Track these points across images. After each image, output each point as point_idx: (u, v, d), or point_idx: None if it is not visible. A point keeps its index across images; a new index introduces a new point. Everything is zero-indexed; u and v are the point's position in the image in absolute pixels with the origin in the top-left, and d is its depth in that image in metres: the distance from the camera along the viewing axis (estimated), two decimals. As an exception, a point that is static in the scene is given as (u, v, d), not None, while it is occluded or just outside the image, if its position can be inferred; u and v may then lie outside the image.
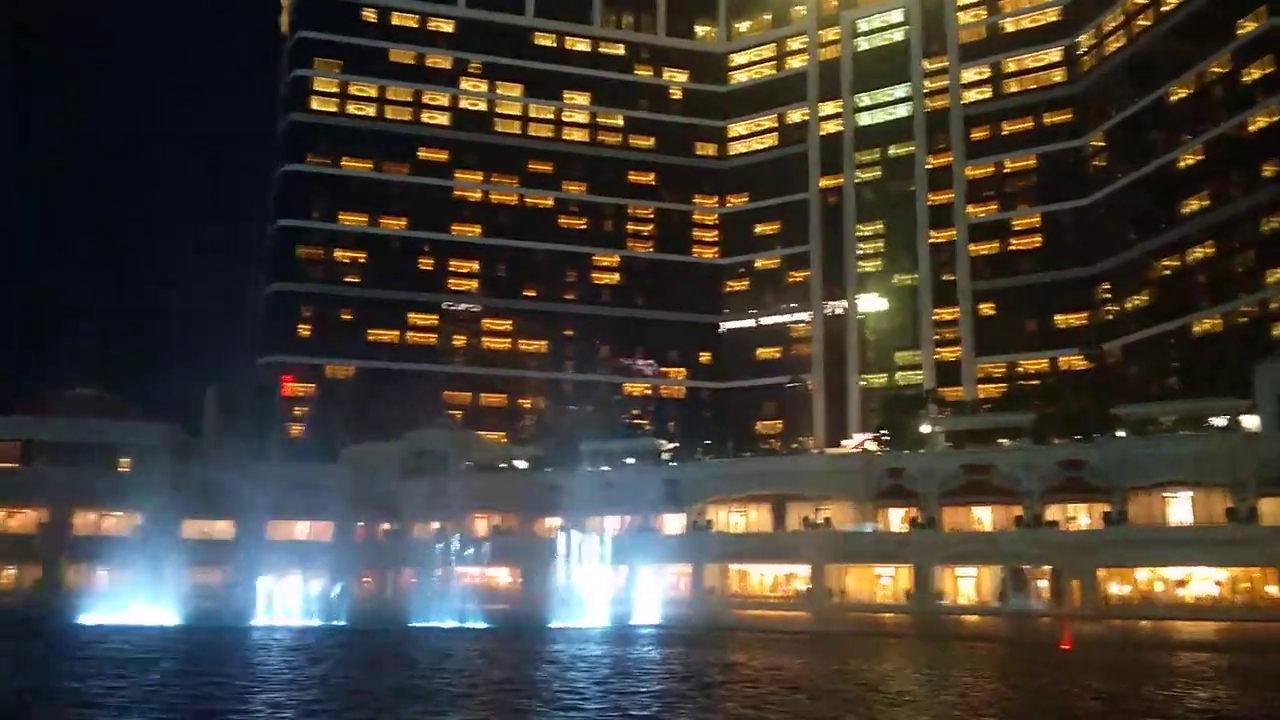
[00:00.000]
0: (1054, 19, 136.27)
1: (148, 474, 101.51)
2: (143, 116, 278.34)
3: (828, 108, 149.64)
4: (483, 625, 62.39)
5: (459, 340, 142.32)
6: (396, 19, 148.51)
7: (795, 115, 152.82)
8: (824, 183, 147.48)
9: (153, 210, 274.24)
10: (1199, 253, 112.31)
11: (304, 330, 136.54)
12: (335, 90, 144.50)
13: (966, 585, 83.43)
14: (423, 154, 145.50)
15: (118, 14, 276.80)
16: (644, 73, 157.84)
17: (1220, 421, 78.54)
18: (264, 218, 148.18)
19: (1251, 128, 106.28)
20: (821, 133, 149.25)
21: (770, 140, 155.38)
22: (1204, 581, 74.20)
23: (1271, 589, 71.23)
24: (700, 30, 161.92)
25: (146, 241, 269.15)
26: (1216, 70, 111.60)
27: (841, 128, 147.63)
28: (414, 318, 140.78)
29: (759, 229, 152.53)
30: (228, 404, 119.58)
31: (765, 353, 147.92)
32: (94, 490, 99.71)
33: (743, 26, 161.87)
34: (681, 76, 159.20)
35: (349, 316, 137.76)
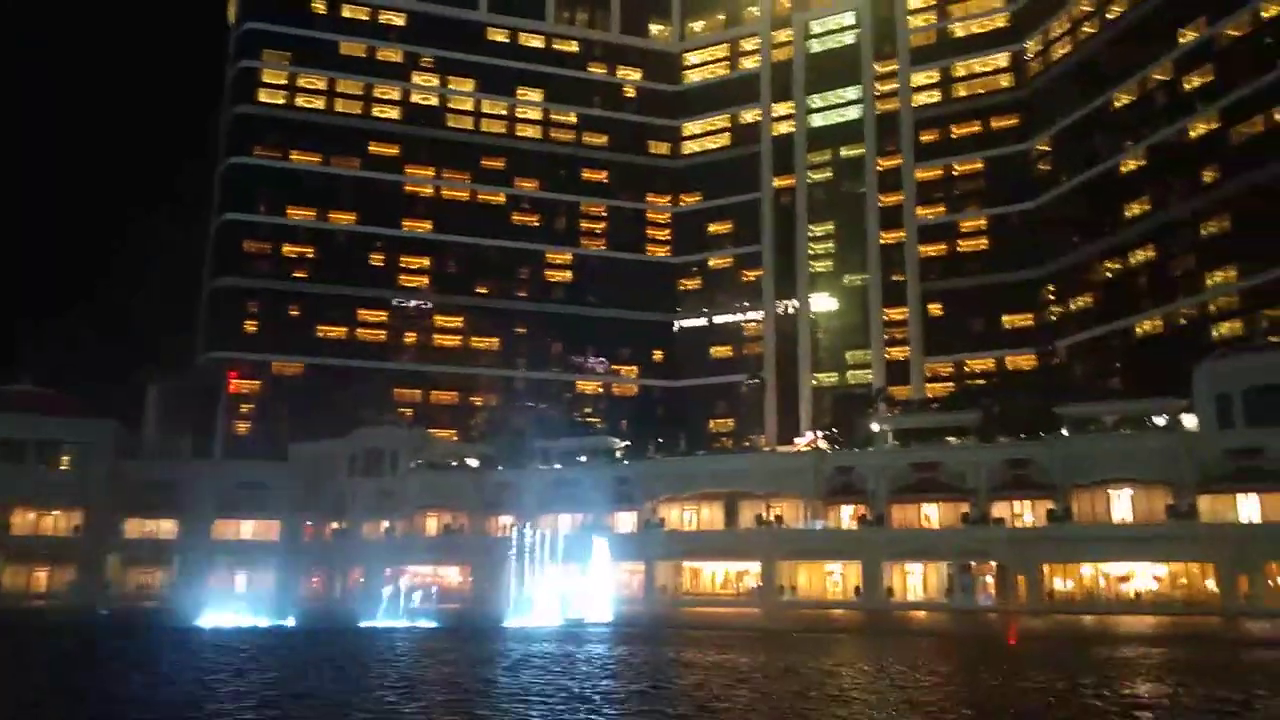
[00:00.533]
0: (1002, 25, 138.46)
1: (88, 472, 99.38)
2: (84, 105, 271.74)
3: (780, 108, 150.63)
4: (432, 625, 61.78)
5: (409, 337, 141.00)
6: (347, 11, 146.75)
7: (748, 115, 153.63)
8: (776, 183, 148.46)
9: (93, 202, 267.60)
10: (1141, 256, 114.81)
11: (250, 326, 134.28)
12: (284, 82, 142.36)
13: (915, 581, 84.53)
14: (373, 148, 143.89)
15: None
16: (598, 70, 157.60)
17: (1161, 420, 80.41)
18: (209, 211, 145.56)
19: (1192, 134, 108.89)
20: (774, 133, 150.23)
21: (723, 140, 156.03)
22: (1145, 577, 75.92)
23: (1210, 584, 73.01)
24: (654, 29, 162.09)
25: (87, 234, 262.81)
26: (1158, 78, 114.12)
27: (794, 128, 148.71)
28: (363, 314, 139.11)
29: (712, 228, 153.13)
30: (171, 401, 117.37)
31: (718, 351, 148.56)
32: (33, 488, 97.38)
33: (697, 26, 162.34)
34: (635, 75, 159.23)
35: (297, 312, 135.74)
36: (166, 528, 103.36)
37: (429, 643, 48.31)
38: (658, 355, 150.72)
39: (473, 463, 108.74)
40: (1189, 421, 79.73)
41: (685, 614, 75.37)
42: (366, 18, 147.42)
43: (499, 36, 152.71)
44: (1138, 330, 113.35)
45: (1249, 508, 74.17)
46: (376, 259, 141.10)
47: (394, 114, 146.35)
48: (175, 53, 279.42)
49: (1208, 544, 72.56)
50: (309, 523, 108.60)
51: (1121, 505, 78.88)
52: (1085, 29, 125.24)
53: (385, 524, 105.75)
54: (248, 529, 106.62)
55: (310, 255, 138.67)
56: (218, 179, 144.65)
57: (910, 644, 49.69)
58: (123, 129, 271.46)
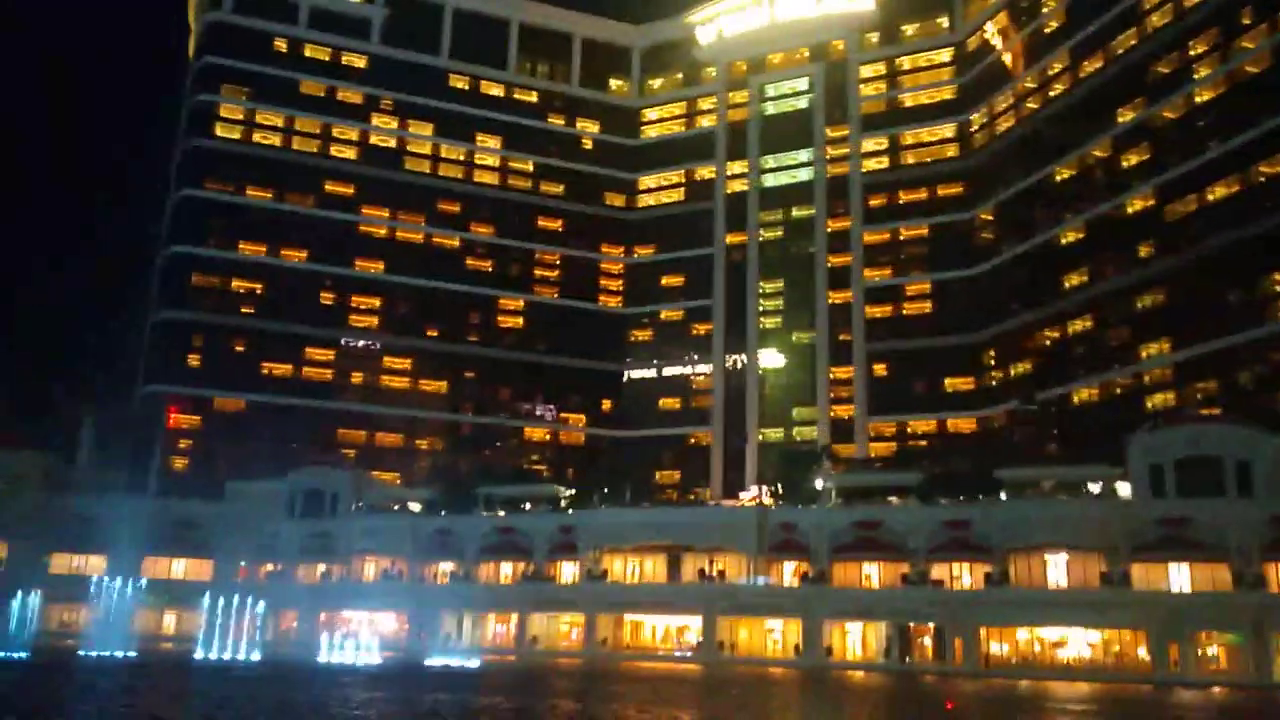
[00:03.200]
0: (949, 96, 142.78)
1: (16, 504, 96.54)
2: (31, 131, 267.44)
3: (735, 166, 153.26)
4: (355, 667, 60.66)
5: (356, 377, 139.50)
6: (309, 50, 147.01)
7: (703, 172, 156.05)
8: (729, 239, 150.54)
9: (35, 229, 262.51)
10: (1078, 325, 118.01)
11: (193, 360, 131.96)
12: (241, 118, 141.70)
13: (854, 641, 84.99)
14: (329, 187, 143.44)
15: (23, 20, 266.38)
16: (557, 121, 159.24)
17: (1096, 487, 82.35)
18: (156, 243, 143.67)
19: (1129, 209, 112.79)
20: (728, 190, 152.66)
21: (678, 195, 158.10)
22: (1079, 643, 77.19)
23: (1142, 652, 74.44)
24: (614, 84, 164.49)
25: (27, 261, 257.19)
26: (1098, 154, 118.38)
27: (747, 187, 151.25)
28: (310, 352, 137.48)
29: (664, 280, 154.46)
30: (107, 434, 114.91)
31: (666, 403, 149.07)
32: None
33: (655, 83, 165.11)
34: (593, 127, 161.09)
35: (241, 348, 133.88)
36: (95, 564, 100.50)
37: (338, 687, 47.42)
38: (606, 405, 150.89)
39: (415, 507, 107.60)
40: (1123, 489, 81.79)
41: (619, 667, 74.80)
42: (328, 58, 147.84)
43: (460, 83, 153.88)
44: (1074, 398, 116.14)
45: (1179, 577, 76.01)
46: (327, 297, 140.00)
47: (351, 154, 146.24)
48: (132, 83, 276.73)
49: (1140, 612, 74.18)
50: (243, 563, 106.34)
51: (1057, 570, 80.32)
52: (1029, 104, 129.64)
53: (322, 567, 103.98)
54: (179, 568, 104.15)
55: (259, 291, 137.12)
56: (168, 211, 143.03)
57: (851, 707, 49.91)
58: (71, 156, 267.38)
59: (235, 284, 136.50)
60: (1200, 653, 73.56)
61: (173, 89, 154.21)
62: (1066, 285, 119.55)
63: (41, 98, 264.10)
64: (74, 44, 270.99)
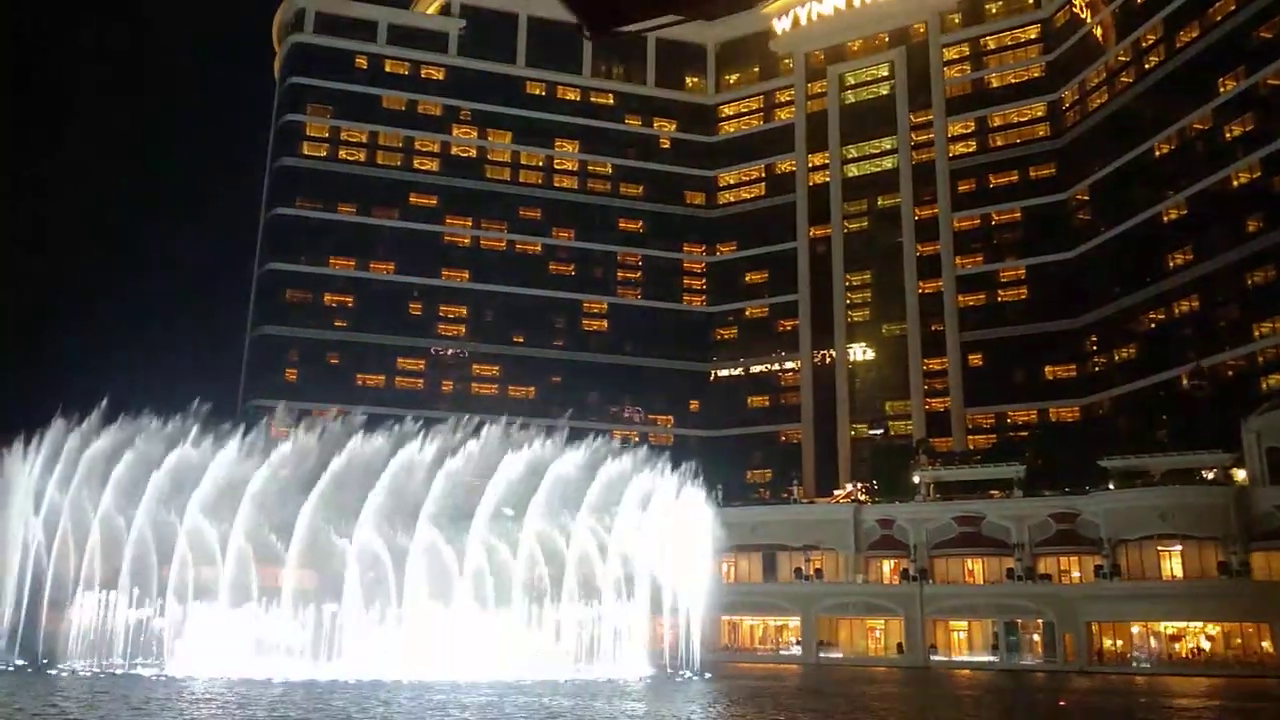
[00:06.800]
0: (1038, 75, 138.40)
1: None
2: (129, 155, 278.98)
3: (816, 159, 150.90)
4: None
5: (446, 385, 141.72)
6: (389, 66, 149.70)
7: (784, 165, 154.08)
8: (812, 232, 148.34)
9: (137, 250, 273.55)
10: (1184, 306, 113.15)
11: (290, 374, 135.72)
12: (326, 135, 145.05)
13: (959, 638, 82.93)
14: (413, 199, 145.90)
15: (112, 48, 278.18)
16: (633, 122, 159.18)
17: (1209, 474, 78.78)
18: (251, 261, 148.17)
19: (1234, 183, 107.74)
20: (810, 183, 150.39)
21: (759, 190, 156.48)
22: (1197, 636, 73.98)
23: (1265, 644, 70.94)
24: (689, 81, 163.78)
25: (129, 282, 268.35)
26: (1198, 127, 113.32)
27: (829, 178, 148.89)
28: (402, 362, 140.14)
29: (748, 277, 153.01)
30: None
31: (754, 401, 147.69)
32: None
33: (731, 78, 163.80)
34: (670, 126, 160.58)
35: (336, 360, 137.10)
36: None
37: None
38: (694, 405, 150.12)
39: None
40: (1239, 476, 78.11)
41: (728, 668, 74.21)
42: (407, 72, 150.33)
43: (537, 90, 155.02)
44: (1184, 381, 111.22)
45: (1305, 565, 72.28)
46: (415, 308, 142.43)
47: (433, 165, 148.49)
48: (221, 108, 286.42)
49: (1262, 603, 70.80)
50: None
51: (1171, 561, 77.13)
52: (1122, 79, 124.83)
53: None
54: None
55: (350, 304, 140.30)
56: (261, 229, 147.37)
57: (964, 706, 48.45)
58: (170, 179, 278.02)
59: (328, 298, 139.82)
60: (1331, 646, 69.78)
61: (261, 110, 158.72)
62: (1170, 265, 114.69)
63: (136, 122, 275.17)
64: (164, 72, 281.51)
